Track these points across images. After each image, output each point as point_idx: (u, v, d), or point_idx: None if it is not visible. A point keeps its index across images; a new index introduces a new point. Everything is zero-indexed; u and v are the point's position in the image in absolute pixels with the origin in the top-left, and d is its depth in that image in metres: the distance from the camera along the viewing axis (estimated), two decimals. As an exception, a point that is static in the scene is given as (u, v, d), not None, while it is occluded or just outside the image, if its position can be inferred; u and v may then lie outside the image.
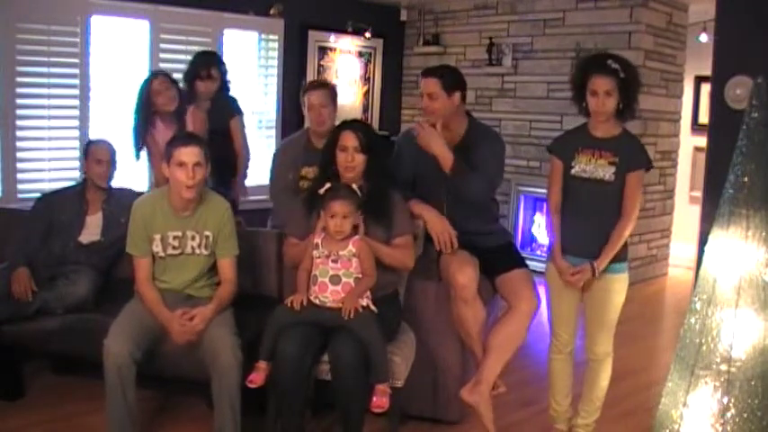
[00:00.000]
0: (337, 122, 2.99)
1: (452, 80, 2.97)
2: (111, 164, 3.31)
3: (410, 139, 3.12)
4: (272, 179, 3.54)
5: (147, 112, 3.64)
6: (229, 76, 3.92)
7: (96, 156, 3.28)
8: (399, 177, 3.04)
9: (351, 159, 2.77)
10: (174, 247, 2.81)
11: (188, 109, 3.66)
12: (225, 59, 4.00)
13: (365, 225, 2.74)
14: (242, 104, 4.01)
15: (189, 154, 2.69)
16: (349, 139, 2.78)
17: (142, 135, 3.65)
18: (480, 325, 2.86)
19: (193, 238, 2.82)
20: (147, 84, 3.65)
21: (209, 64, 3.77)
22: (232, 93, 3.98)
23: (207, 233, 2.83)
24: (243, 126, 3.95)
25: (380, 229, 2.77)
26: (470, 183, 2.91)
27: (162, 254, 2.81)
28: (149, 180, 4.57)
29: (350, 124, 2.86)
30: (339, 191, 2.65)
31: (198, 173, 2.69)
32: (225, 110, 3.83)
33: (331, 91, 3.49)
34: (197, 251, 2.83)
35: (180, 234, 2.80)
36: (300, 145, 3.46)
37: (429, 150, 2.90)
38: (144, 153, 3.74)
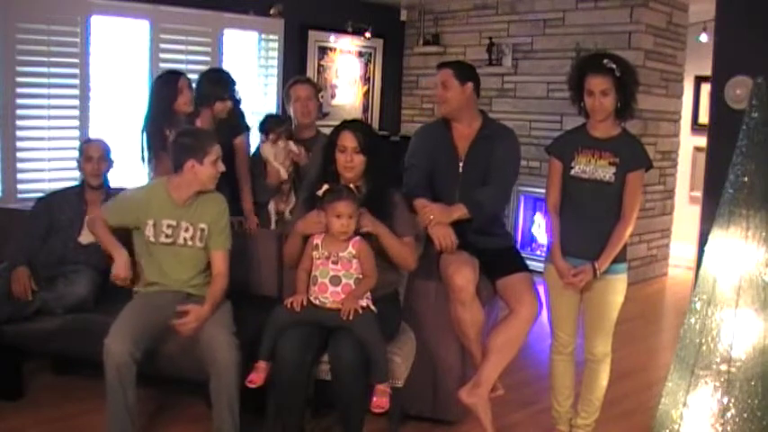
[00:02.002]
0: (335, 122, 2.99)
1: (466, 71, 3.12)
2: (103, 161, 3.30)
3: (427, 131, 3.23)
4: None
5: (169, 109, 3.47)
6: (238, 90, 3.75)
7: (87, 153, 3.29)
8: (416, 164, 3.10)
9: (350, 160, 2.77)
10: (166, 236, 2.84)
11: (201, 112, 3.61)
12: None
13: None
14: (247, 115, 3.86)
15: (219, 151, 2.87)
16: (348, 140, 2.77)
17: (159, 133, 3.45)
18: (478, 327, 2.86)
19: (187, 230, 2.85)
20: (173, 82, 3.51)
21: (228, 85, 3.63)
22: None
23: (202, 226, 2.86)
24: (248, 144, 3.76)
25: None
26: (488, 207, 3.03)
27: (153, 239, 2.83)
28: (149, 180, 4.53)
29: (349, 125, 2.85)
30: (342, 192, 2.64)
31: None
32: (233, 127, 3.64)
33: (315, 87, 3.71)
34: (189, 243, 2.85)
35: (174, 223, 2.84)
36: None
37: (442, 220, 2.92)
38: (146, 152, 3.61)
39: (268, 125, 3.47)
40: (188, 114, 3.52)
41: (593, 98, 2.63)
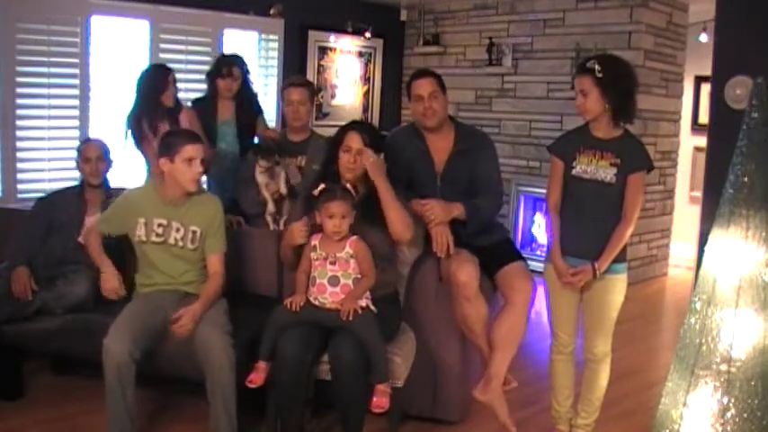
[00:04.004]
0: (335, 122, 2.99)
1: (442, 80, 3.06)
2: (101, 161, 3.32)
3: (401, 140, 3.14)
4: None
5: (157, 102, 3.59)
6: (251, 77, 4.00)
7: (85, 154, 3.31)
8: (395, 179, 3.04)
9: (353, 161, 2.77)
10: (157, 234, 2.85)
11: (182, 109, 3.68)
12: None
13: (366, 225, 2.74)
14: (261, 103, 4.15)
15: (197, 150, 2.83)
16: (354, 141, 2.78)
17: (146, 122, 3.58)
18: (483, 321, 2.87)
19: (177, 230, 2.86)
20: (163, 76, 3.63)
21: (231, 63, 3.83)
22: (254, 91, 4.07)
23: (194, 228, 2.86)
24: (266, 124, 4.07)
25: (379, 228, 2.76)
26: (485, 213, 3.02)
27: (144, 238, 2.85)
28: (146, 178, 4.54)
29: (356, 126, 2.87)
30: (336, 191, 2.64)
31: (202, 167, 2.88)
32: (249, 115, 3.92)
33: (310, 90, 3.63)
34: (180, 243, 2.86)
35: (165, 222, 2.85)
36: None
37: (443, 218, 2.90)
38: (131, 142, 3.69)
39: (260, 153, 3.38)
40: (169, 110, 3.60)
41: (576, 97, 2.67)
